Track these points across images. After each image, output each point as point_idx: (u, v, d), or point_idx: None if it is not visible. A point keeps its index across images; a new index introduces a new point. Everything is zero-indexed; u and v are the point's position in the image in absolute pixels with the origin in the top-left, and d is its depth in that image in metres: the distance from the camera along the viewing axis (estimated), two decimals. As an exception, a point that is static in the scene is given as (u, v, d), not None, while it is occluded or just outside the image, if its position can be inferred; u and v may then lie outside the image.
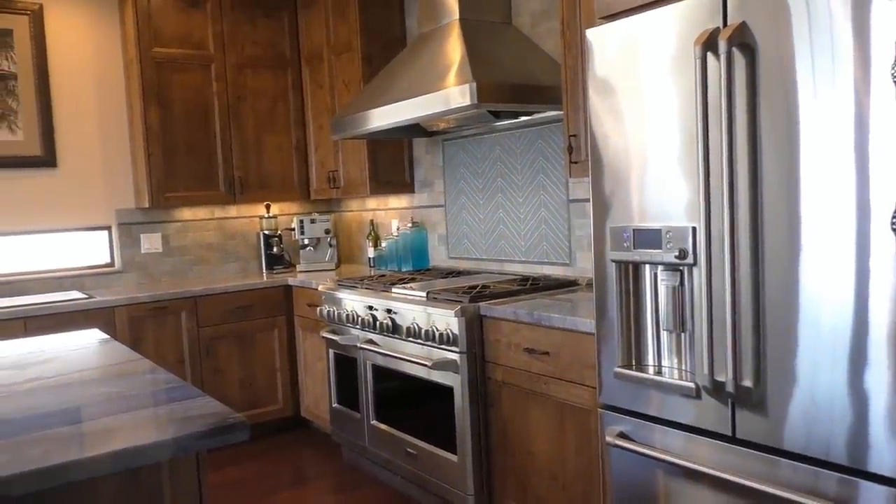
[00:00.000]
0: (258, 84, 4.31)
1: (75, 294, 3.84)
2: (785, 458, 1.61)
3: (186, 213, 4.39)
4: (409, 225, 4.05)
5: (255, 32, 4.28)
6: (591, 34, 1.97)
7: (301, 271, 4.40)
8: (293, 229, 4.47)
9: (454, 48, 2.98)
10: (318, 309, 3.59)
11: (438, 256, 4.00)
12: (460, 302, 2.74)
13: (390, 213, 4.35)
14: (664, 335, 1.91)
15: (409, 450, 3.06)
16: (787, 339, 1.58)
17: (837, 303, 1.48)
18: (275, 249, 4.47)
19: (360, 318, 3.25)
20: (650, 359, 1.95)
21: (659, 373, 1.91)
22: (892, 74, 1.28)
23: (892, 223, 1.32)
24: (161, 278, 4.31)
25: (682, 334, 1.85)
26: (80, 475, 1.19)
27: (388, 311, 3.07)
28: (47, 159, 3.97)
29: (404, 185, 4.10)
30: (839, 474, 1.51)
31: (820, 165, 1.48)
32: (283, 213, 4.68)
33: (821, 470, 1.54)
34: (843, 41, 1.42)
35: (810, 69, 1.48)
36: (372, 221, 4.37)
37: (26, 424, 1.40)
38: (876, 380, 1.43)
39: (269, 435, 4.15)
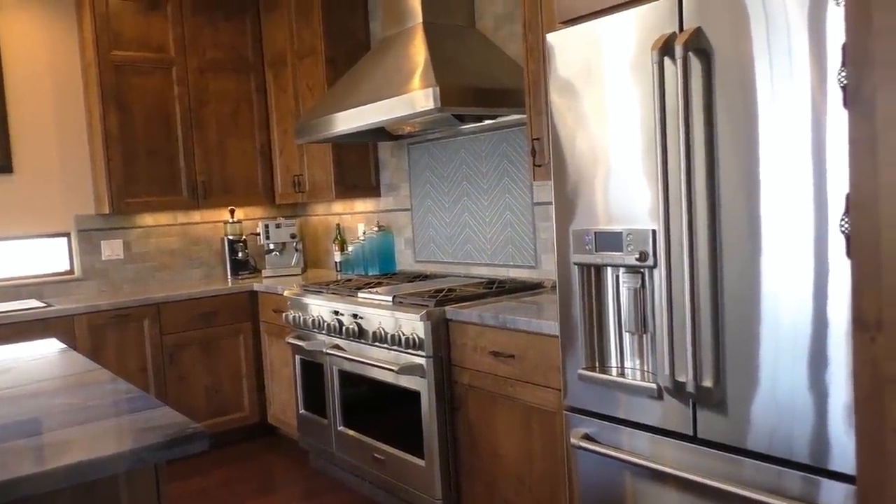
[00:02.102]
0: (220, 88, 4.25)
1: (33, 303, 3.75)
2: (748, 458, 1.63)
3: (148, 219, 4.32)
4: (376, 229, 4.04)
5: (216, 36, 4.23)
6: (552, 38, 1.98)
7: (267, 276, 4.35)
8: (258, 234, 4.42)
9: (418, 52, 2.98)
10: (284, 315, 3.56)
11: (405, 260, 4.00)
12: (426, 306, 2.73)
13: (356, 217, 4.33)
14: (626, 337, 1.93)
15: (376, 455, 3.05)
16: (747, 339, 1.60)
17: (796, 302, 1.50)
18: (240, 255, 4.42)
19: (326, 324, 3.23)
20: (613, 360, 1.97)
21: (622, 374, 1.92)
22: (839, 80, 1.31)
23: (841, 225, 1.35)
24: (123, 285, 4.23)
25: (644, 336, 1.87)
26: (33, 490, 1.16)
27: (355, 315, 3.06)
28: (3, 165, 3.87)
29: (370, 188, 4.08)
30: (802, 473, 1.53)
31: (777, 167, 1.51)
32: (247, 218, 4.63)
33: (784, 469, 1.56)
34: (798, 45, 1.45)
35: (767, 73, 1.51)
36: (338, 225, 4.35)
37: (-23, 439, 1.36)
38: (835, 378, 1.45)
39: (235, 442, 4.10)
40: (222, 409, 4.00)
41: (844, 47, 1.28)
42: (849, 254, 1.36)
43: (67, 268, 4.12)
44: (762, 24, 1.51)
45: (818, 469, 1.50)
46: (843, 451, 1.45)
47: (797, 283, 1.49)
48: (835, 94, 1.38)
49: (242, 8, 4.31)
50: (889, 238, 1.22)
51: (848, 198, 1.32)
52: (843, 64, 1.31)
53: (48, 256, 4.07)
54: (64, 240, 4.11)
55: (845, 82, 1.29)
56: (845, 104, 1.32)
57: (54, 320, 3.51)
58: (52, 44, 4.02)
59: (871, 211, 1.23)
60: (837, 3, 1.31)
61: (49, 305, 3.61)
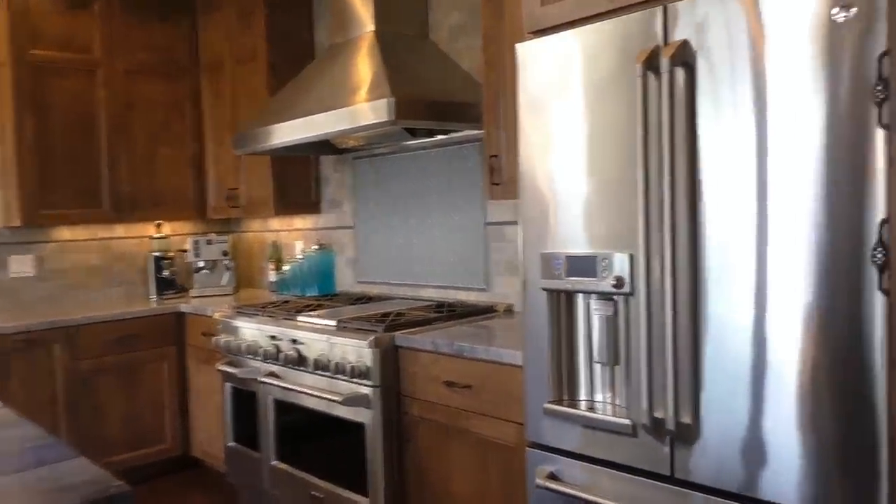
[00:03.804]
0: (150, 93, 3.97)
1: (-73, 323, 3.36)
2: (728, 500, 1.52)
3: (66, 233, 3.97)
4: (315, 247, 3.82)
5: (148, 37, 3.95)
6: (522, 49, 1.86)
7: (195, 296, 4.06)
8: (187, 251, 4.13)
9: (370, 61, 2.82)
10: (214, 339, 3.29)
11: (346, 281, 3.79)
12: (374, 331, 2.55)
13: (294, 235, 4.11)
14: (597, 368, 1.81)
15: (314, 493, 2.82)
16: (729, 374, 1.50)
17: (782, 336, 1.41)
18: (166, 273, 4.11)
19: (261, 349, 2.99)
20: (583, 393, 1.84)
21: (592, 409, 1.79)
22: (875, 94, 1.22)
23: (873, 257, 1.25)
24: (34, 305, 3.86)
25: (616, 367, 1.75)
26: None
27: (294, 341, 2.84)
28: None
29: (310, 205, 3.87)
30: (786, 516, 1.43)
31: (773, 187, 1.42)
32: (176, 234, 4.32)
33: (767, 512, 1.46)
34: (798, 59, 1.37)
35: (757, 89, 1.42)
36: (274, 243, 4.11)
37: None
38: (825, 419, 1.36)
39: (155, 477, 3.77)
40: (141, 441, 3.68)
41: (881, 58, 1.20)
42: (880, 287, 1.26)
43: (-31, 284, 3.74)
44: (757, 37, 1.42)
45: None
46: (832, 494, 1.36)
47: (784, 314, 1.40)
48: (866, 112, 1.29)
49: (178, 8, 4.05)
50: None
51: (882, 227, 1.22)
52: (880, 78, 1.22)
53: (-52, 271, 3.68)
54: (-33, 253, 3.73)
55: (881, 97, 1.20)
56: (880, 121, 1.23)
57: (-49, 343, 3.14)
58: (-40, 38, 3.66)
59: None
60: (845, 13, 1.23)
61: (-55, 326, 3.24)
